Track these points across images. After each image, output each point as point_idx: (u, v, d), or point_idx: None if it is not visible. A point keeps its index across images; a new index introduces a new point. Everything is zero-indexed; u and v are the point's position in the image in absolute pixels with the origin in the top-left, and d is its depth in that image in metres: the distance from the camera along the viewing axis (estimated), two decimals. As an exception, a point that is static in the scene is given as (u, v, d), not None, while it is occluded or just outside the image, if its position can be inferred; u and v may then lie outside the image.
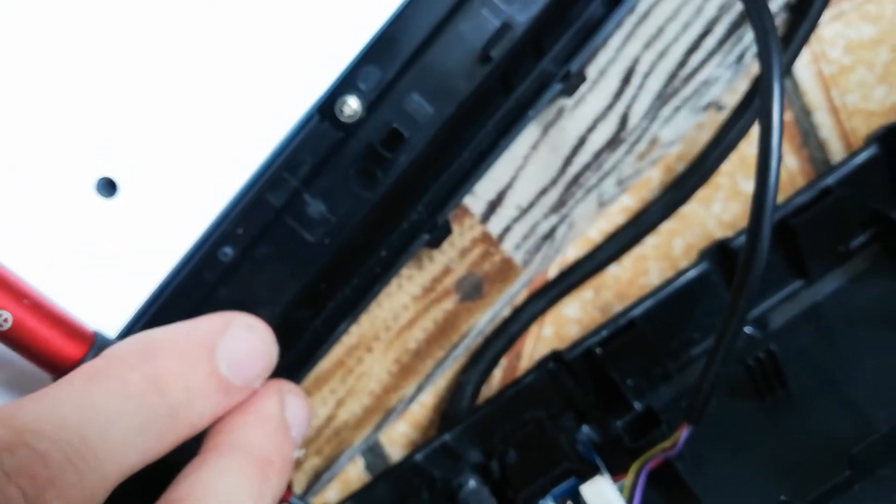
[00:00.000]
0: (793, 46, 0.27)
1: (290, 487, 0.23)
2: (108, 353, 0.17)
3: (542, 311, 0.30)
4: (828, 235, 0.26)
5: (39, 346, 0.18)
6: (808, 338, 0.26)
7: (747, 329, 0.26)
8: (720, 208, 0.30)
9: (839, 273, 0.26)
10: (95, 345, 0.19)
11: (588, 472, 0.25)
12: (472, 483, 0.26)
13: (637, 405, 0.26)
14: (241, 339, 0.18)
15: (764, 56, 0.19)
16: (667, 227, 0.30)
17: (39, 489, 0.14)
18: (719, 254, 0.25)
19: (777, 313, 0.27)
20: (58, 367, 0.18)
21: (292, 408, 0.20)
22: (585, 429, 0.27)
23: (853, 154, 0.26)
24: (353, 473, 0.30)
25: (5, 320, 0.17)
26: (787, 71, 0.27)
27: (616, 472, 0.25)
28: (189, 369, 0.17)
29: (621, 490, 0.24)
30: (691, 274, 0.25)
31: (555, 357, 0.26)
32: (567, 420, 0.27)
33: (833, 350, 0.26)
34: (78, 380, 0.16)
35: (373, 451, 0.30)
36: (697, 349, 0.27)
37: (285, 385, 0.20)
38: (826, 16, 0.28)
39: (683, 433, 0.22)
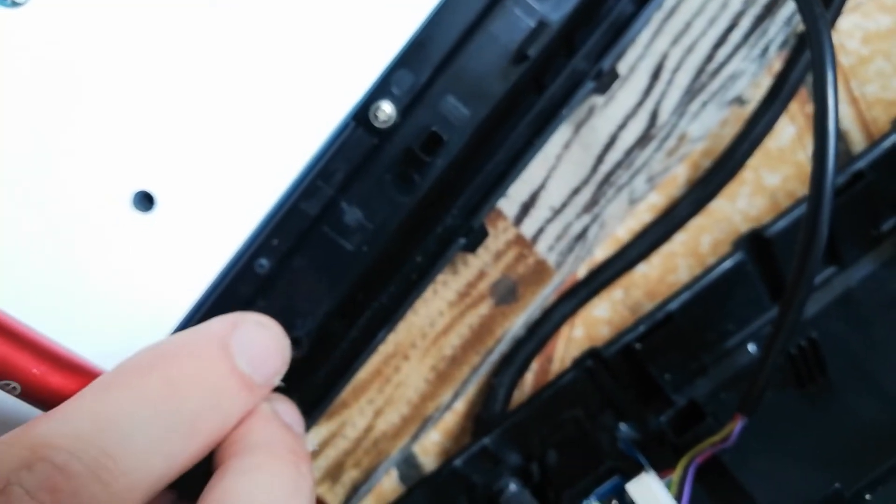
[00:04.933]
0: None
1: None
2: (119, 366, 0.16)
3: (573, 312, 0.30)
4: (860, 220, 0.26)
5: (54, 401, 0.17)
6: (844, 325, 0.26)
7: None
8: (746, 203, 0.30)
9: (871, 258, 0.27)
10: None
11: (632, 471, 0.25)
12: (512, 487, 0.26)
13: (676, 400, 0.26)
14: (253, 336, 0.18)
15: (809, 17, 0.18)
16: (694, 223, 0.30)
17: (64, 503, 0.13)
18: (752, 243, 0.25)
19: (811, 301, 0.26)
20: None
21: (283, 409, 0.18)
22: (624, 427, 0.27)
23: (883, 137, 0.26)
24: (388, 485, 0.30)
25: (13, 388, 0.17)
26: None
27: (660, 469, 0.25)
28: (208, 369, 0.16)
29: (668, 486, 0.24)
30: (727, 265, 0.25)
31: (592, 354, 0.26)
32: (606, 418, 0.26)
33: (868, 336, 0.26)
34: (90, 392, 0.15)
35: (407, 462, 0.30)
36: (733, 341, 0.27)
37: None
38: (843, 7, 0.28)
39: (737, 425, 0.22)
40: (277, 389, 0.19)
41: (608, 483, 0.25)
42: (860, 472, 0.23)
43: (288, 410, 0.19)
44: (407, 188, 0.22)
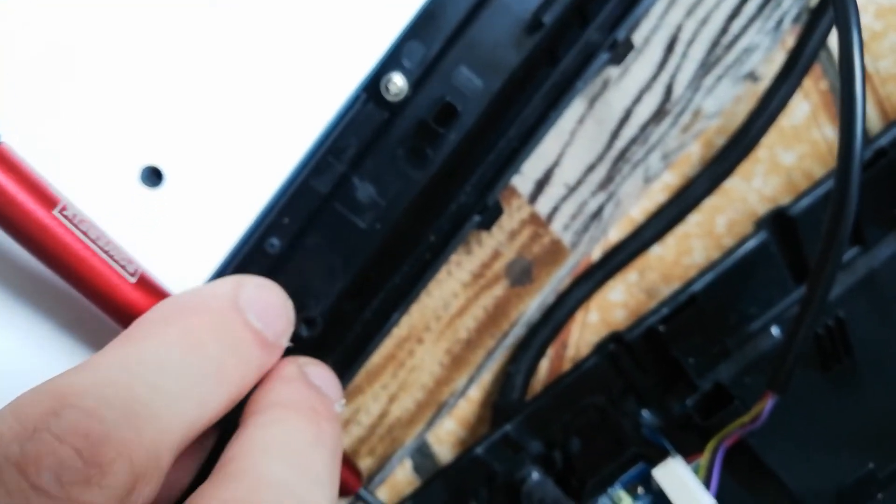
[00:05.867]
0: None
1: (359, 476, 0.22)
2: (137, 321, 0.17)
3: (588, 295, 0.29)
4: (882, 198, 0.25)
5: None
6: (868, 306, 0.26)
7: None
8: (761, 182, 0.30)
9: (894, 237, 0.26)
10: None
11: (657, 457, 0.24)
12: (535, 475, 0.25)
13: (700, 384, 0.25)
14: (257, 293, 0.18)
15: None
16: (709, 203, 0.29)
17: (95, 446, 0.12)
18: (776, 223, 0.25)
19: (834, 284, 0.26)
20: None
21: (313, 372, 0.19)
22: (647, 414, 0.26)
23: (906, 112, 0.25)
24: (402, 476, 0.29)
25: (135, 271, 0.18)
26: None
27: (687, 455, 0.24)
28: (225, 321, 0.16)
29: (696, 471, 0.23)
30: (750, 245, 0.25)
31: (615, 338, 0.25)
32: (629, 405, 0.26)
33: (892, 318, 0.26)
34: (113, 346, 0.15)
35: (421, 452, 0.29)
36: (756, 324, 0.26)
37: (299, 358, 0.19)
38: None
39: (768, 404, 0.21)
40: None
41: (633, 470, 0.25)
42: (892, 454, 0.22)
43: (319, 373, 0.19)
44: (420, 163, 0.21)
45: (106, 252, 0.18)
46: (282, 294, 0.19)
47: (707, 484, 0.23)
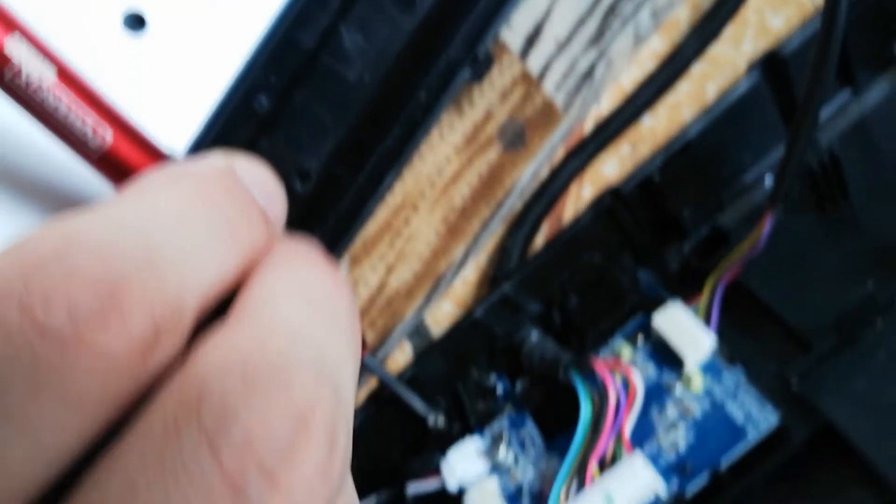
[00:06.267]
0: None
1: (364, 344, 0.22)
2: (141, 176, 0.15)
3: (581, 168, 0.29)
4: (873, 37, 0.25)
5: (129, 168, 0.16)
6: (860, 150, 0.26)
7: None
8: (750, 47, 0.30)
9: (886, 79, 0.26)
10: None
11: (654, 307, 0.24)
12: (534, 336, 0.25)
13: (695, 236, 0.25)
14: (253, 169, 0.16)
15: None
16: (698, 71, 0.29)
17: (113, 288, 0.11)
18: (768, 64, 0.25)
19: (826, 129, 0.26)
20: None
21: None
22: (643, 273, 0.26)
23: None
24: (402, 359, 0.29)
25: (102, 140, 0.16)
26: None
27: (685, 300, 0.24)
28: (230, 186, 0.15)
29: (695, 313, 0.23)
30: (742, 87, 0.24)
31: (611, 193, 0.25)
32: (626, 261, 0.26)
33: (887, 159, 0.26)
34: (121, 195, 0.13)
35: (419, 334, 0.29)
36: (750, 174, 0.26)
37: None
38: None
39: (767, 223, 0.21)
40: None
41: (632, 322, 0.25)
42: (891, 277, 0.22)
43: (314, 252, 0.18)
44: (408, 7, 0.21)
45: (65, 125, 0.17)
46: (273, 174, 0.17)
47: (707, 322, 0.23)
